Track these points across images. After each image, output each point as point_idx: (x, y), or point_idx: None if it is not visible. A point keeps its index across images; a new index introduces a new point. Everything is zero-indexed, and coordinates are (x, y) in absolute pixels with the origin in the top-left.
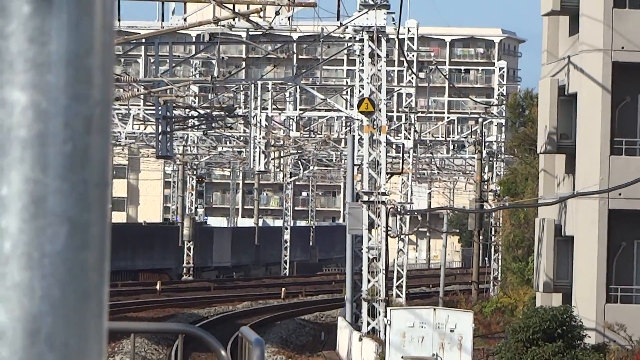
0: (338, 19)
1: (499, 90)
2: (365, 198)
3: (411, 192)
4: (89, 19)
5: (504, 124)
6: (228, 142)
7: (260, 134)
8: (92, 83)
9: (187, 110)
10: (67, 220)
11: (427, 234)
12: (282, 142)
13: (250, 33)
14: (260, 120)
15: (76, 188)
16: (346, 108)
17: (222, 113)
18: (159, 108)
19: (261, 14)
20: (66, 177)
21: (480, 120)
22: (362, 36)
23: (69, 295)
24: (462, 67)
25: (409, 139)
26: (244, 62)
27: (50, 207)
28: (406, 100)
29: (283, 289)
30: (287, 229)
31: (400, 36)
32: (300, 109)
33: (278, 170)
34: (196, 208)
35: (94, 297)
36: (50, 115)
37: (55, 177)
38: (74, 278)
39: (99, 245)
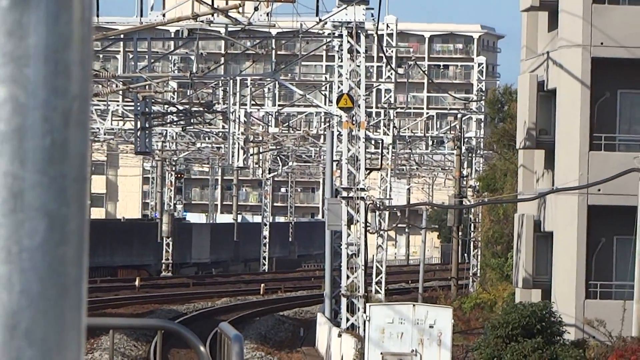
0: (317, 15)
1: (478, 86)
2: (344, 194)
3: (390, 187)
4: (67, 13)
5: (483, 119)
6: (207, 138)
7: (239, 129)
8: (70, 77)
9: (166, 106)
10: (46, 215)
11: (406, 230)
12: (261, 138)
13: (229, 29)
14: (239, 116)
15: (55, 182)
16: (325, 104)
17: (201, 109)
18: (138, 104)
19: (240, 9)
20: (45, 171)
21: (459, 116)
22: (341, 32)
23: (48, 289)
24: (441, 63)
25: (388, 134)
26: (222, 58)
27: (28, 202)
28: (385, 96)
29: (262, 285)
30: (266, 225)
31: (379, 32)
32: (279, 105)
33: (257, 166)
34: (175, 204)
35: (73, 292)
36: (29, 109)
37: (33, 171)
38: (52, 273)
39: (77, 239)
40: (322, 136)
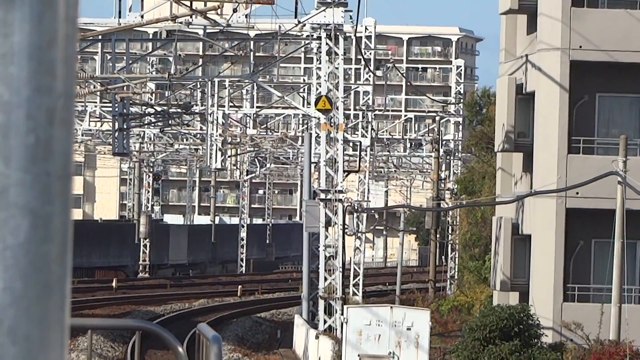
0: (296, 17)
1: (456, 88)
2: (322, 196)
3: (368, 190)
4: (52, 11)
5: (461, 122)
6: (185, 140)
7: (217, 131)
8: (55, 75)
9: (144, 107)
10: (30, 213)
11: (384, 232)
12: (238, 140)
13: (208, 30)
14: (217, 117)
15: (39, 180)
16: (303, 106)
17: (179, 110)
18: (116, 105)
19: (219, 11)
20: (29, 169)
21: (437, 118)
22: (319, 34)
23: (31, 287)
24: (420, 66)
25: (366, 136)
26: (201, 60)
27: (12, 199)
28: (363, 98)
29: (239, 286)
30: (243, 226)
31: (357, 34)
32: (257, 107)
33: (235, 167)
34: (152, 205)
35: (56, 290)
36: (13, 107)
37: (17, 168)
38: (36, 270)
39: (61, 237)
40: (300, 138)
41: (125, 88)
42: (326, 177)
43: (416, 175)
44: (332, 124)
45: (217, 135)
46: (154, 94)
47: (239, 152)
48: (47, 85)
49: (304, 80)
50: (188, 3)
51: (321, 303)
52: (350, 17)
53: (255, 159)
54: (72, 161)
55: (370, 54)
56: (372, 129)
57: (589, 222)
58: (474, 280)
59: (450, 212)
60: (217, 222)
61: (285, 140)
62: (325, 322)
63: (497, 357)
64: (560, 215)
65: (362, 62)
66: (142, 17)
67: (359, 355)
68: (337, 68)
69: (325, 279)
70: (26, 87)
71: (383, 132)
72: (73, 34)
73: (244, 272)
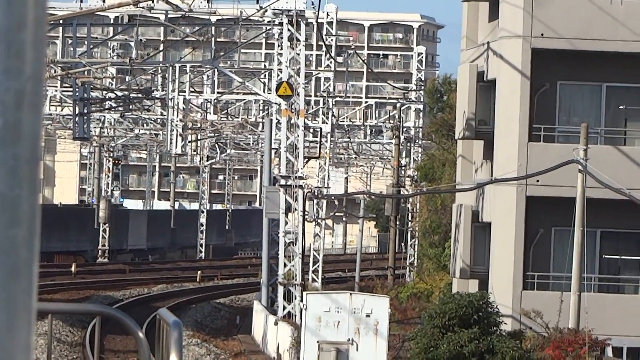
0: (257, 2)
1: (417, 75)
2: (283, 182)
3: (328, 176)
4: None
5: (422, 109)
6: (145, 125)
7: (177, 116)
8: (24, 58)
9: (105, 92)
10: None
11: (344, 219)
12: (199, 125)
13: (169, 15)
14: (178, 103)
15: (7, 163)
16: (264, 91)
17: (140, 95)
18: (76, 89)
19: None
20: None
21: (398, 105)
22: (281, 19)
23: None
24: (381, 52)
25: (326, 123)
26: (162, 45)
27: None
28: (324, 85)
29: (199, 272)
30: (203, 212)
31: (319, 20)
32: (218, 92)
33: (195, 153)
34: (112, 190)
35: (24, 274)
36: None
37: None
38: (3, 254)
39: (29, 221)
40: (260, 124)
41: (86, 72)
42: (286, 163)
43: (376, 162)
44: (292, 110)
45: (177, 121)
46: (114, 79)
47: (199, 138)
48: (16, 68)
49: (265, 66)
50: None
51: (280, 289)
52: (312, 3)
53: (216, 145)
54: (41, 145)
55: (332, 40)
56: (332, 115)
57: (549, 210)
58: (434, 268)
59: (410, 199)
60: (176, 207)
61: (246, 126)
62: (284, 308)
63: (456, 345)
64: (520, 203)
65: (324, 49)
66: (103, 1)
67: (318, 342)
68: (298, 54)
69: (285, 265)
70: None
71: (343, 118)
72: (42, 17)
73: (203, 257)
